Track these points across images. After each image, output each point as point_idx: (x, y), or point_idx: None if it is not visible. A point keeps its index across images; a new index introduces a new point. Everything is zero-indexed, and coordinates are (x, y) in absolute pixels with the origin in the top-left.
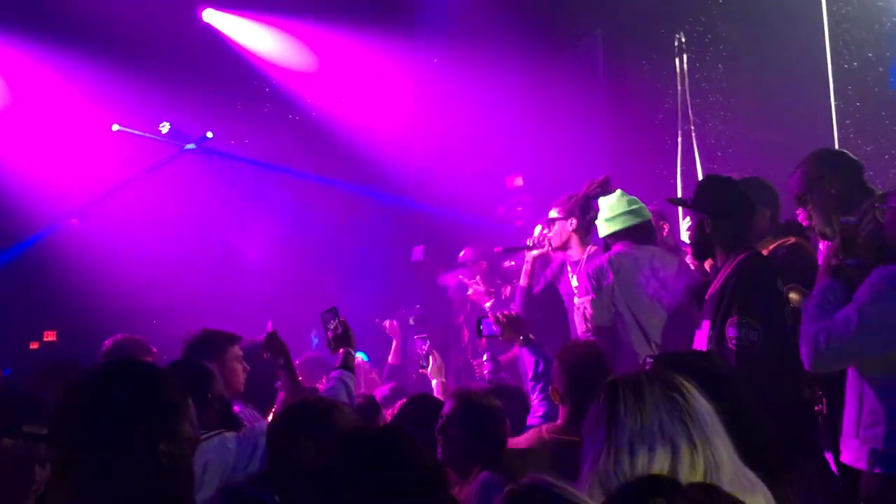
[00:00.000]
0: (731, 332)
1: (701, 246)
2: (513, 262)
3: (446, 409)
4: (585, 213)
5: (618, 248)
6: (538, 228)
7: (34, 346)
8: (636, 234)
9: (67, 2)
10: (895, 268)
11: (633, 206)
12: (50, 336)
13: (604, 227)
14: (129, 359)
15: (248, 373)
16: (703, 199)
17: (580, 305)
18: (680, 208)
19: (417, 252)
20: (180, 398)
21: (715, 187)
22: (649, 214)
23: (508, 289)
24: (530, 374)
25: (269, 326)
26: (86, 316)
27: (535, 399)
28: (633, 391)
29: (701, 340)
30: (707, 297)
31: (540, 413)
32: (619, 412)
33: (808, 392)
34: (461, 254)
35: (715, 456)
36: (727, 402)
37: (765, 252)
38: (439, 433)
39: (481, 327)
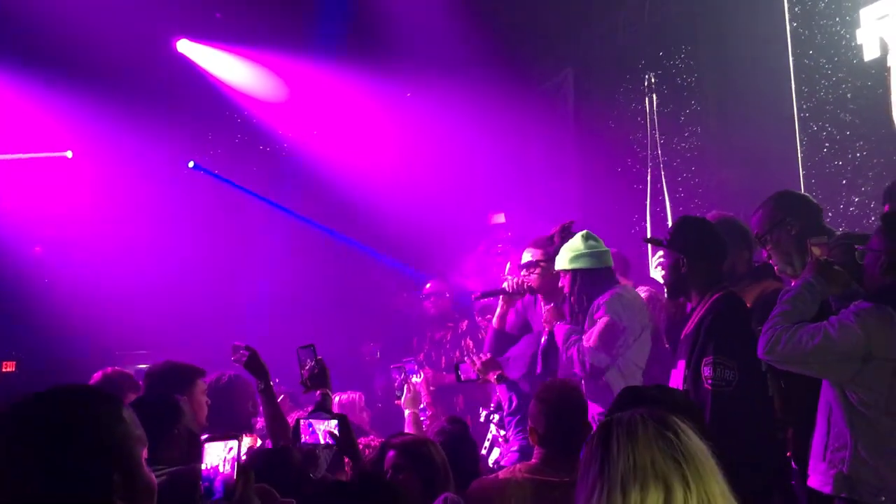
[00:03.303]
0: (706, 371)
1: (676, 285)
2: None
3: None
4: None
5: (615, 290)
6: (508, 266)
7: None
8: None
9: (44, 28)
10: (869, 306)
11: (599, 249)
12: (8, 366)
13: (565, 263)
14: (88, 386)
15: (209, 405)
16: (679, 240)
17: (582, 350)
18: (649, 245)
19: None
20: (139, 432)
21: (691, 228)
22: (611, 261)
23: (465, 323)
24: (506, 410)
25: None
26: (47, 347)
27: (510, 433)
28: (626, 429)
29: (677, 380)
30: (682, 336)
31: (514, 447)
32: (611, 450)
33: (780, 433)
34: (427, 286)
35: (708, 495)
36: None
37: (748, 297)
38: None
39: (459, 373)
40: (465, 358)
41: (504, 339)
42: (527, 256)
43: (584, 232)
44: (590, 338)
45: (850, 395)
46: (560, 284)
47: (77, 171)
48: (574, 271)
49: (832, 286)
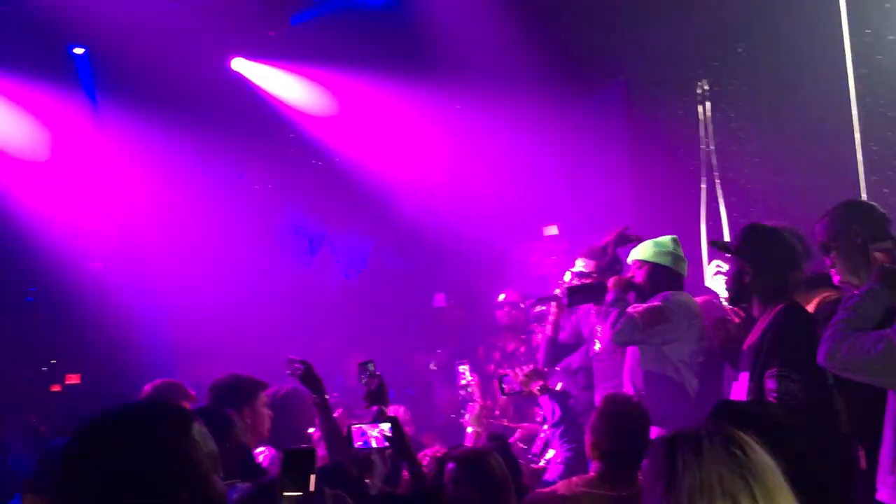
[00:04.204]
0: (770, 384)
1: (738, 293)
2: (544, 308)
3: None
4: (615, 265)
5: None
6: (568, 275)
7: (56, 388)
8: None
9: (100, 53)
10: None
11: (681, 256)
12: (73, 379)
13: (648, 254)
14: (159, 402)
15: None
16: (746, 248)
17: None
18: (704, 253)
19: (439, 299)
20: (212, 447)
21: (760, 237)
22: (685, 273)
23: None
24: (550, 421)
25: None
26: (111, 360)
27: (555, 444)
28: (691, 446)
29: (740, 392)
30: (745, 347)
31: (560, 459)
32: (677, 468)
33: (851, 446)
34: (500, 297)
35: None
36: (785, 455)
37: (808, 307)
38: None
39: (503, 385)
40: (509, 370)
41: (558, 349)
42: (579, 265)
43: (674, 237)
44: (636, 308)
45: None
46: (630, 273)
47: (136, 188)
48: (654, 264)
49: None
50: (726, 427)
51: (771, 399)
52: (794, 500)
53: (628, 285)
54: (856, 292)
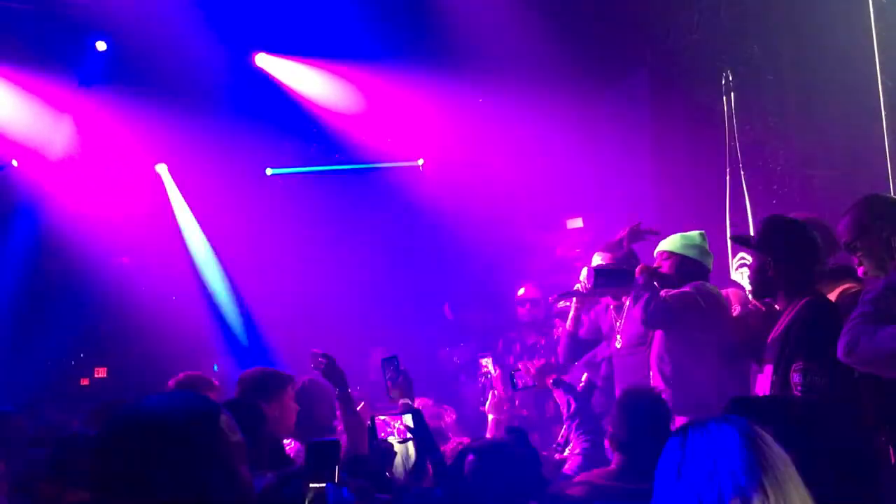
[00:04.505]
0: (796, 378)
1: (762, 287)
2: (568, 304)
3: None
4: (631, 260)
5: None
6: (584, 272)
7: (85, 382)
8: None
9: (128, 50)
10: None
11: (707, 250)
12: (101, 372)
13: (676, 246)
14: (186, 392)
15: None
16: (768, 241)
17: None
18: (729, 246)
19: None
20: (238, 438)
21: (778, 229)
22: (710, 268)
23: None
24: (564, 415)
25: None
26: (137, 353)
27: (571, 437)
28: (704, 436)
29: (763, 385)
30: (769, 341)
31: (577, 451)
32: (686, 456)
33: (878, 440)
34: (520, 291)
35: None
36: (800, 448)
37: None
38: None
39: (515, 380)
40: (520, 365)
41: (578, 344)
42: (597, 260)
43: (702, 231)
44: (668, 293)
45: None
46: (657, 263)
47: (161, 181)
48: (682, 256)
49: None
50: (738, 419)
51: (796, 393)
52: (806, 493)
53: (655, 274)
54: (875, 285)
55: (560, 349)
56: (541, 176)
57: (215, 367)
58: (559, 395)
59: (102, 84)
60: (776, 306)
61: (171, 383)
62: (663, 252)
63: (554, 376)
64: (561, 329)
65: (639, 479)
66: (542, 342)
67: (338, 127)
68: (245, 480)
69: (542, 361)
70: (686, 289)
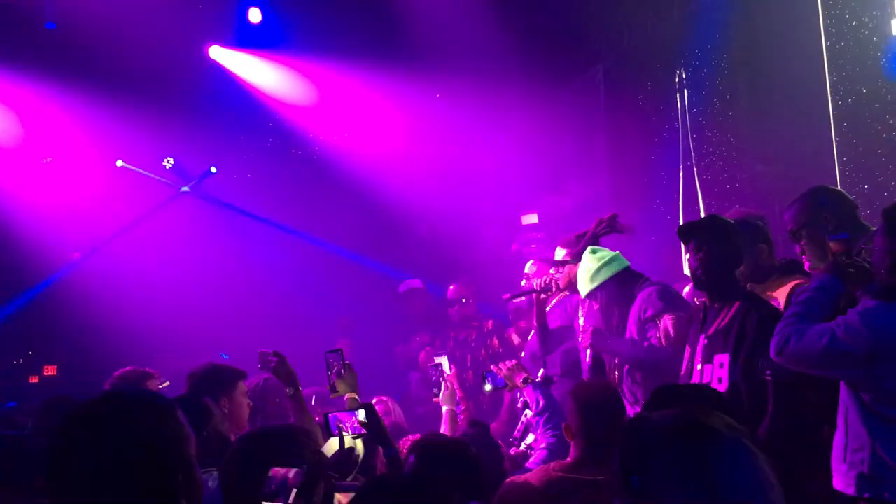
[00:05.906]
0: (763, 363)
1: (702, 281)
2: (523, 298)
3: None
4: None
5: (653, 287)
6: (529, 264)
7: (34, 380)
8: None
9: (78, 40)
10: (875, 304)
11: (609, 256)
12: (50, 370)
13: (587, 284)
14: (133, 389)
15: (251, 408)
16: (703, 238)
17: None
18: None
19: (411, 283)
20: (186, 431)
21: (711, 228)
22: (626, 261)
23: (491, 322)
24: (533, 411)
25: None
26: (87, 351)
27: (538, 433)
28: (662, 427)
29: (706, 377)
30: (710, 333)
31: (543, 445)
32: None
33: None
34: (450, 288)
35: None
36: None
37: (778, 293)
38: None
39: (487, 381)
40: (491, 366)
41: (548, 335)
42: (560, 254)
43: (589, 248)
44: (667, 328)
45: (863, 395)
46: (596, 308)
47: (113, 177)
48: (599, 287)
49: (848, 285)
50: (700, 409)
51: (767, 377)
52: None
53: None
54: (808, 286)
55: (534, 344)
56: (496, 171)
57: (225, 356)
58: (529, 393)
59: (50, 75)
60: (714, 300)
61: (115, 375)
62: (601, 293)
63: (524, 375)
64: (491, 322)
65: (593, 470)
66: (473, 335)
67: (293, 121)
68: (198, 476)
69: (514, 361)
70: (670, 316)
